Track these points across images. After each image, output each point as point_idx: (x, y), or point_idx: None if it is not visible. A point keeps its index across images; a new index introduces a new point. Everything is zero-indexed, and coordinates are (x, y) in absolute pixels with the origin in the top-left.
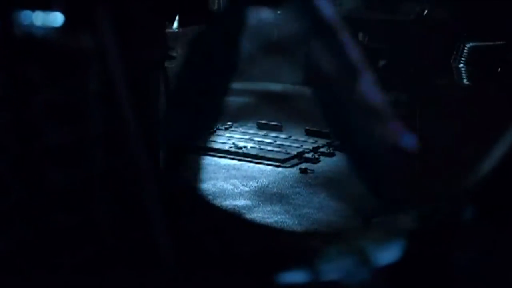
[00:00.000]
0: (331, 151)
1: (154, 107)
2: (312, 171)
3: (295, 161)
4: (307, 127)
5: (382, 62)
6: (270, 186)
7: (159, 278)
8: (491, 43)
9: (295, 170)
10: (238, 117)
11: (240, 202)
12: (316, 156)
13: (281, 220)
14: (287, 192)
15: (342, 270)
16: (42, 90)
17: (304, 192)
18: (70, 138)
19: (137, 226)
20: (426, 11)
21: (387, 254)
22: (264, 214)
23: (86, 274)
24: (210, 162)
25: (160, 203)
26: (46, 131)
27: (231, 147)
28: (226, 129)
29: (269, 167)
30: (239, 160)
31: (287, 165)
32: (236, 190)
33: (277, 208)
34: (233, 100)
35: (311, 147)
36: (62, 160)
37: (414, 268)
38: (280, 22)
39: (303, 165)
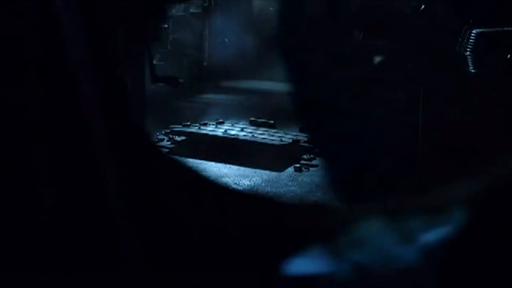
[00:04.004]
0: None
1: (137, 86)
2: (307, 169)
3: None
4: (301, 125)
5: (378, 59)
6: (263, 184)
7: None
8: (499, 29)
9: (289, 168)
10: (231, 115)
11: None
12: (311, 156)
13: None
14: (281, 191)
15: (375, 253)
16: None
17: (299, 191)
18: None
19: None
20: (423, 6)
21: (439, 231)
22: None
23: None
24: (200, 161)
25: (126, 198)
26: None
27: (223, 133)
28: (219, 123)
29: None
30: (233, 142)
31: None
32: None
33: None
34: (225, 98)
35: (305, 145)
36: None
37: (476, 249)
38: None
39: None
